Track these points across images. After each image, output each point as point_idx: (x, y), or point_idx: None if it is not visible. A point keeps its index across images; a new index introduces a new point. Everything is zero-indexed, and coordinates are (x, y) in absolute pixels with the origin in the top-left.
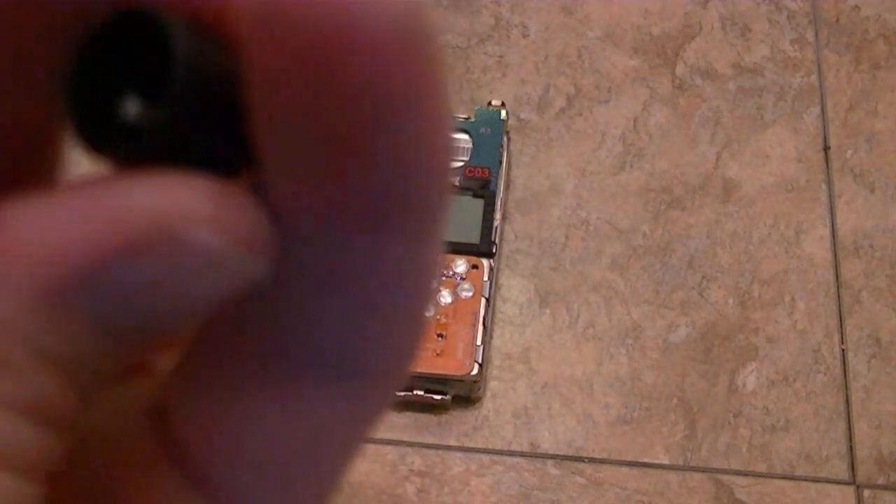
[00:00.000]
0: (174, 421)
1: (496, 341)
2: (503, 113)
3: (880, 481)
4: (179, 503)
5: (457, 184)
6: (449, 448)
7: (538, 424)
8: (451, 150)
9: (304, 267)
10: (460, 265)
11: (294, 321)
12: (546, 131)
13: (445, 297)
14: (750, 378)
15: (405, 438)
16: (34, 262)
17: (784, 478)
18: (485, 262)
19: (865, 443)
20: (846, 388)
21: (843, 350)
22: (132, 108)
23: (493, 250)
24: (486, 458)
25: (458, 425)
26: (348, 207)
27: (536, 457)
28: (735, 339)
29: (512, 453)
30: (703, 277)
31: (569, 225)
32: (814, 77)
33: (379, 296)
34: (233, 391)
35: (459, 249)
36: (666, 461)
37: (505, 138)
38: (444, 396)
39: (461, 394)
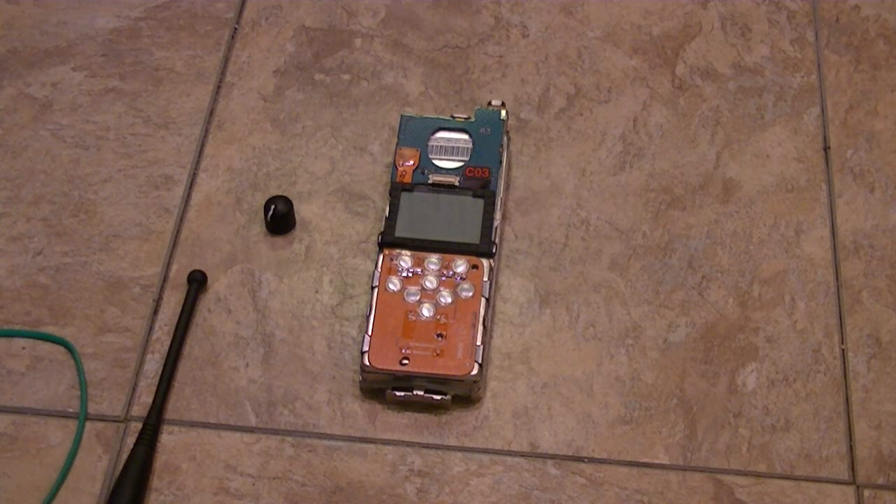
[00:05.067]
0: None
1: (496, 341)
2: (503, 113)
3: (880, 481)
4: None
5: (457, 184)
6: (449, 448)
7: (538, 424)
8: None
9: None
10: (460, 265)
11: None
12: (546, 131)
13: (445, 297)
14: (750, 378)
15: (405, 438)
16: None
17: (784, 478)
18: (485, 262)
19: (865, 443)
20: (846, 388)
21: (843, 350)
22: None
23: (493, 250)
24: (486, 458)
25: (458, 425)
26: None
27: (536, 457)
28: (735, 339)
29: (512, 453)
30: (703, 277)
31: (569, 225)
32: (814, 77)
33: None
34: None
35: (459, 249)
36: (666, 461)
37: (505, 138)
38: (444, 396)
39: (461, 394)
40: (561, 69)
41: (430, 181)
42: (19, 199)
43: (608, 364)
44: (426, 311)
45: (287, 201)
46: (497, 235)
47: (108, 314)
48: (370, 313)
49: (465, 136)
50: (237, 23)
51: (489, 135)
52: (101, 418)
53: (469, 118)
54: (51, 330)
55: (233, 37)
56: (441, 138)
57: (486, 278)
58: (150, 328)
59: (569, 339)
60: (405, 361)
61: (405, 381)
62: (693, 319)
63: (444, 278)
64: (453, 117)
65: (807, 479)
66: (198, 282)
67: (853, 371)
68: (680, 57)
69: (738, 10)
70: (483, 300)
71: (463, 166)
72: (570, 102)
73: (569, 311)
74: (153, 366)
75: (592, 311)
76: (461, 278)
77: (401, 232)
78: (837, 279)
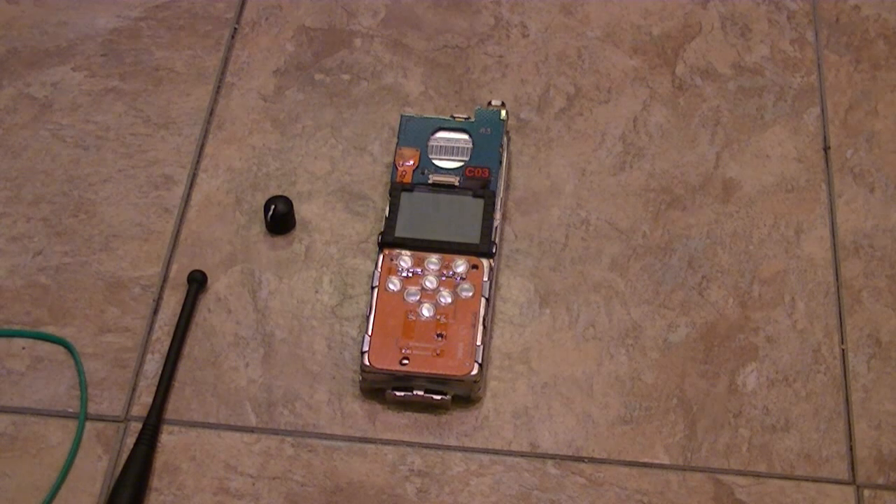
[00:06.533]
0: None
1: (496, 341)
2: (503, 113)
3: (880, 481)
4: None
5: (457, 184)
6: (449, 448)
7: (538, 424)
8: None
9: None
10: (460, 265)
11: None
12: (546, 131)
13: (445, 297)
14: (750, 378)
15: (405, 438)
16: None
17: (784, 478)
18: (485, 262)
19: (865, 443)
20: (846, 388)
21: (843, 350)
22: None
23: (493, 250)
24: (486, 458)
25: (458, 425)
26: None
27: (536, 457)
28: (735, 339)
29: (512, 453)
30: (703, 277)
31: (569, 225)
32: (814, 77)
33: None
34: None
35: (459, 249)
36: (666, 461)
37: (505, 138)
38: (444, 396)
39: (461, 394)
40: (561, 69)
41: (430, 181)
42: (19, 199)
43: (608, 364)
44: (426, 311)
45: (287, 201)
46: (497, 235)
47: (108, 314)
48: (370, 313)
49: (465, 136)
50: (237, 23)
51: (489, 135)
52: (101, 418)
53: (469, 118)
54: (51, 330)
55: (233, 37)
56: (441, 138)
57: (486, 278)
58: (150, 328)
59: (569, 339)
60: (405, 361)
61: (405, 381)
62: (693, 319)
63: (444, 278)
64: (453, 117)
65: (807, 479)
66: (198, 282)
67: (853, 371)
68: (680, 57)
69: (738, 10)
70: (483, 300)
71: (463, 166)
72: (570, 102)
73: (569, 311)
74: (153, 366)
75: (592, 311)
76: (461, 278)
77: (401, 232)
78: (837, 279)
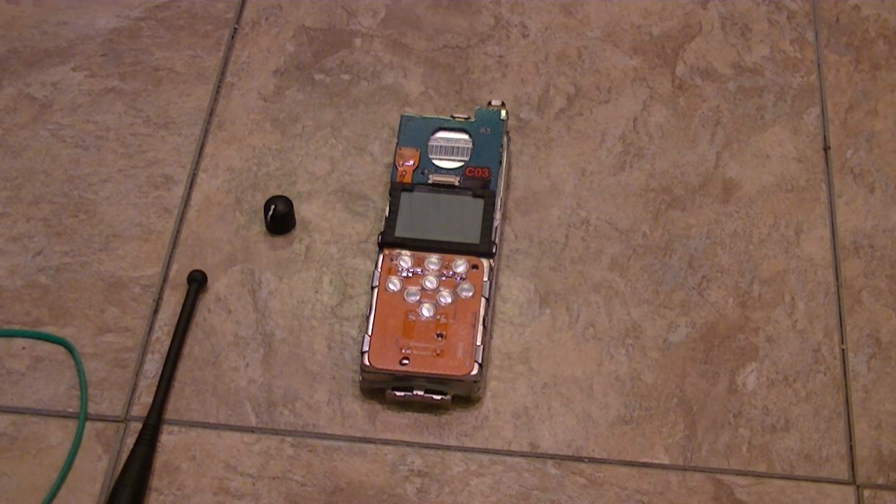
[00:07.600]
0: None
1: (496, 341)
2: (503, 113)
3: (880, 481)
4: None
5: (457, 184)
6: (449, 448)
7: (538, 424)
8: None
9: None
10: (460, 265)
11: None
12: (546, 131)
13: (445, 297)
14: (750, 378)
15: (405, 438)
16: None
17: (784, 478)
18: (485, 262)
19: (865, 443)
20: (846, 388)
21: (843, 350)
22: None
23: (493, 250)
24: (486, 458)
25: (458, 425)
26: None
27: (536, 457)
28: (735, 339)
29: (512, 453)
30: (703, 277)
31: (569, 225)
32: (814, 77)
33: None
34: None
35: (459, 249)
36: (666, 461)
37: (505, 138)
38: (444, 396)
39: (461, 394)
40: (561, 69)
41: (430, 181)
42: (19, 199)
43: (608, 364)
44: (426, 311)
45: (287, 201)
46: (497, 235)
47: (108, 314)
48: (370, 313)
49: (465, 136)
50: (237, 23)
51: (489, 135)
52: (101, 418)
53: (469, 118)
54: (51, 330)
55: (233, 37)
56: (441, 138)
57: (486, 278)
58: (150, 328)
59: (569, 339)
60: (405, 361)
61: (405, 381)
62: (693, 319)
63: (444, 278)
64: (453, 117)
65: (807, 479)
66: (198, 282)
67: (853, 371)
68: (680, 57)
69: (738, 10)
70: (483, 300)
71: (463, 166)
72: (570, 102)
73: (569, 311)
74: (153, 366)
75: (592, 311)
76: (461, 278)
77: (401, 232)
78: (837, 279)
